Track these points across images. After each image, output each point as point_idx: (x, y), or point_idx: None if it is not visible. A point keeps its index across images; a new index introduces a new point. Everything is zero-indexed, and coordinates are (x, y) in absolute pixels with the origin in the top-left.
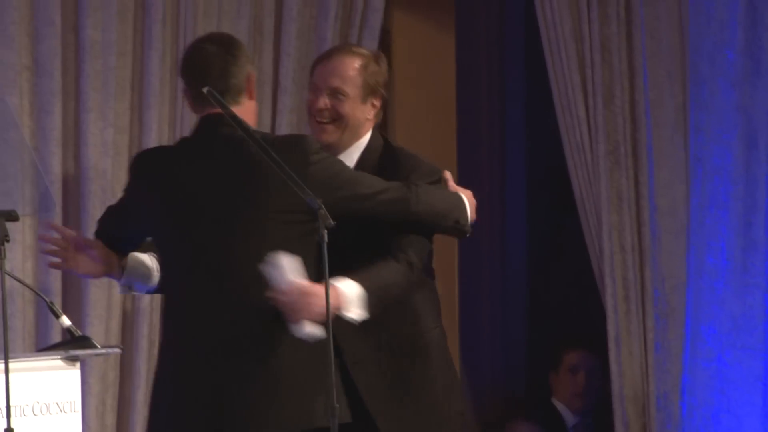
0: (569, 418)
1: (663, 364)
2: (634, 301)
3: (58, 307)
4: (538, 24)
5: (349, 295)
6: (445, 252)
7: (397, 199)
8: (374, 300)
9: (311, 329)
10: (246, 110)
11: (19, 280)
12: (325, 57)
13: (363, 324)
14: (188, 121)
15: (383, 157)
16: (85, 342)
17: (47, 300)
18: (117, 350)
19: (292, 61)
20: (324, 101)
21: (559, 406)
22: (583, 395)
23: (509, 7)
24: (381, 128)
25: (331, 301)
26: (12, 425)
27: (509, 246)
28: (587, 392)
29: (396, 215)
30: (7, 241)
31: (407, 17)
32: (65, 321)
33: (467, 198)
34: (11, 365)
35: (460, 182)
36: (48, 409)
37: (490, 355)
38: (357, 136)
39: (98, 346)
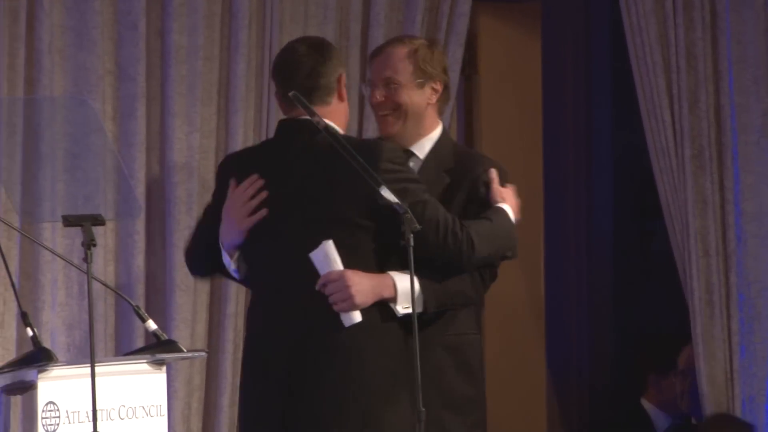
0: (660, 420)
1: (749, 368)
2: (718, 305)
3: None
4: (623, 29)
5: (402, 289)
6: (532, 257)
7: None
8: (431, 300)
9: (356, 317)
10: (335, 111)
11: (106, 285)
12: (376, 52)
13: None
14: (273, 125)
15: (456, 153)
16: (171, 346)
17: (133, 304)
18: (203, 354)
19: None
20: (380, 93)
21: (649, 408)
22: (690, 397)
23: (595, 12)
24: (467, 132)
25: (382, 291)
26: (98, 429)
27: (595, 250)
28: (694, 394)
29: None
30: (94, 245)
31: (493, 22)
32: (151, 325)
33: (509, 199)
34: (97, 369)
35: (547, 186)
36: (134, 413)
37: (576, 359)
38: (423, 125)
39: (184, 350)
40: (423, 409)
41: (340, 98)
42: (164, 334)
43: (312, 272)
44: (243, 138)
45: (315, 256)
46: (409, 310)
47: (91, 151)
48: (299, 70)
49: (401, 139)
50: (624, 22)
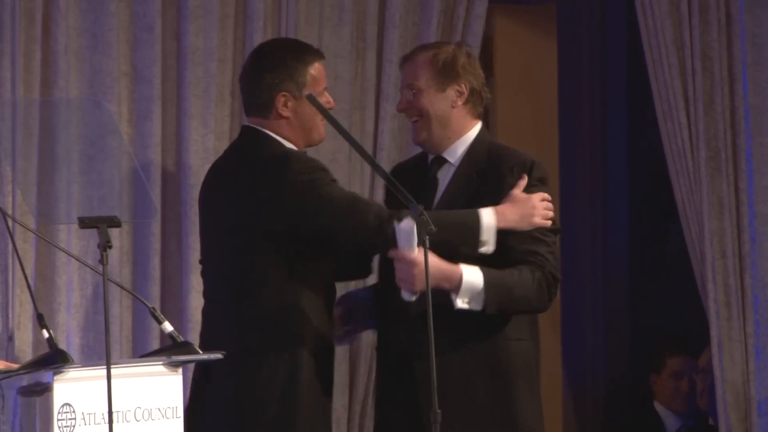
0: (671, 422)
1: (764, 369)
2: (736, 306)
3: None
4: (639, 31)
5: (466, 283)
6: None
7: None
8: (493, 301)
9: (409, 296)
10: (277, 126)
11: (122, 286)
12: (403, 59)
13: (445, 320)
14: None
15: (490, 153)
16: (187, 348)
17: (149, 306)
18: (219, 356)
19: (395, 68)
20: (404, 100)
21: (661, 410)
22: (686, 399)
23: (611, 14)
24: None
25: (445, 282)
26: (114, 431)
27: (611, 252)
28: (691, 396)
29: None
30: (110, 247)
31: (509, 24)
32: (167, 326)
33: (536, 204)
34: (113, 371)
35: (562, 189)
36: (150, 414)
37: (592, 360)
38: (452, 129)
39: (200, 351)
40: (439, 411)
41: (279, 116)
42: (180, 336)
43: None
44: None
45: (400, 229)
46: (467, 306)
47: (106, 153)
48: (242, 75)
49: (431, 144)
50: (639, 24)
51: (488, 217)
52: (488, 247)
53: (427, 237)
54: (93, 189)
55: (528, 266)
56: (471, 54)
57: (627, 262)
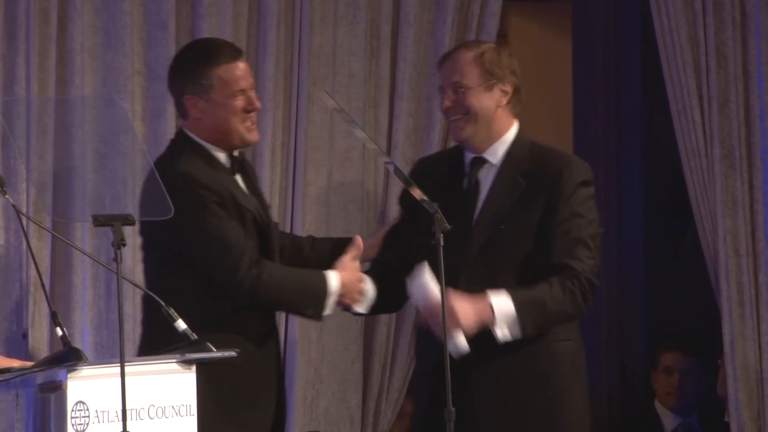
0: (669, 421)
1: None
2: (749, 304)
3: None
4: (654, 29)
5: (499, 313)
6: None
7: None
8: (528, 324)
9: (461, 342)
10: (193, 125)
11: (135, 284)
12: (444, 58)
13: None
14: (303, 125)
15: (533, 153)
16: (200, 346)
17: (163, 303)
18: (232, 354)
19: (409, 66)
20: (449, 99)
21: (660, 409)
22: (677, 395)
23: (625, 12)
24: None
25: (482, 315)
26: (128, 428)
27: (626, 250)
28: (682, 393)
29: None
30: (124, 245)
31: (524, 22)
32: (181, 324)
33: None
34: (127, 369)
35: None
36: (163, 412)
37: (606, 359)
38: (494, 129)
39: (213, 349)
40: (453, 409)
41: (193, 118)
42: (193, 334)
43: None
44: (272, 138)
45: (415, 286)
46: (509, 335)
47: (120, 150)
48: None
49: (473, 143)
50: (654, 22)
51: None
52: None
53: (442, 236)
54: (107, 187)
55: (560, 276)
56: (511, 54)
57: (641, 260)
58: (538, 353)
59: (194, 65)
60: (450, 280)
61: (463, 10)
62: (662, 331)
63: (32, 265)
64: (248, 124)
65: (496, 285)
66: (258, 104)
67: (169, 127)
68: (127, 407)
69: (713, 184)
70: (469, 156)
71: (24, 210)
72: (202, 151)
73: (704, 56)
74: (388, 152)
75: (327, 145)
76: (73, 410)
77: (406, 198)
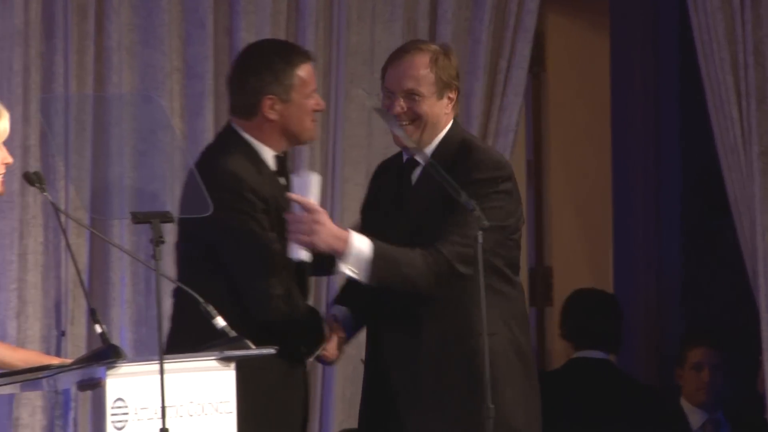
0: (696, 418)
1: None
2: None
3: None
4: (691, 26)
5: (354, 249)
6: (600, 255)
7: None
8: (378, 269)
9: (302, 253)
10: (258, 129)
11: (174, 281)
12: (395, 58)
13: (410, 318)
14: (341, 123)
15: (457, 150)
16: (239, 343)
17: (201, 300)
18: (271, 351)
19: None
20: (400, 105)
21: (686, 405)
22: (707, 391)
23: (663, 9)
24: (535, 129)
25: (333, 244)
26: (167, 425)
27: (664, 247)
28: (712, 388)
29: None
30: (162, 242)
31: (561, 19)
32: (220, 322)
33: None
34: (166, 366)
35: (615, 183)
36: (203, 409)
37: (645, 357)
38: (437, 132)
39: (252, 346)
40: (492, 406)
41: (265, 119)
42: (232, 331)
43: None
44: None
45: (299, 180)
46: (351, 273)
47: (159, 148)
48: (228, 77)
49: (419, 145)
50: (691, 19)
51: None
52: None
53: (480, 233)
54: (145, 184)
55: (426, 250)
56: (454, 54)
57: (679, 257)
58: (461, 352)
59: (279, 65)
60: None
61: (501, 8)
62: (695, 327)
63: (71, 263)
64: (315, 122)
65: None
66: (324, 104)
67: (207, 124)
68: (166, 404)
69: (751, 181)
70: (406, 156)
71: (62, 207)
72: (250, 151)
73: (742, 53)
74: None
75: (365, 142)
76: (112, 407)
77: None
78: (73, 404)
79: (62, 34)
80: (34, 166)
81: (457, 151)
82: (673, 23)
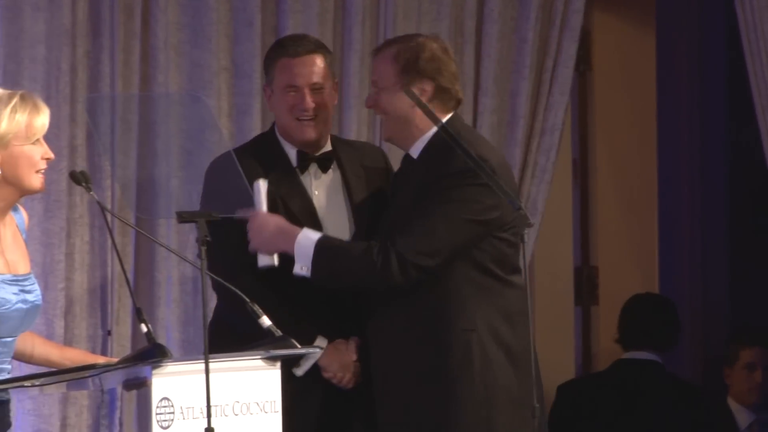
0: (743, 417)
1: None
2: None
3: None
4: (738, 25)
5: (300, 246)
6: (646, 253)
7: None
8: (320, 262)
9: (266, 260)
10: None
11: (220, 281)
12: (372, 54)
13: (382, 312)
14: None
15: (443, 148)
16: (285, 342)
17: (247, 299)
18: (318, 350)
19: (493, 63)
20: (369, 97)
21: (733, 404)
22: (759, 391)
23: (709, 7)
24: (581, 128)
25: (280, 244)
26: (212, 425)
27: (710, 245)
28: (763, 389)
29: None
30: (208, 241)
31: (608, 18)
32: (266, 321)
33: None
34: (211, 365)
35: (661, 181)
36: (248, 408)
37: (691, 357)
38: (417, 128)
39: (298, 345)
40: (537, 405)
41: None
42: (278, 330)
43: None
44: (356, 134)
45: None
46: (303, 272)
47: (205, 147)
48: None
49: (396, 143)
50: (738, 17)
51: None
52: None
53: (526, 231)
54: (192, 184)
55: (377, 243)
56: (443, 47)
57: (726, 256)
58: (432, 344)
59: (268, 58)
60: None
61: (547, 7)
62: (747, 327)
63: (116, 262)
64: (301, 121)
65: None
66: (307, 105)
67: (255, 124)
68: (211, 403)
69: None
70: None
71: (108, 206)
72: (269, 146)
73: None
74: None
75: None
76: (157, 406)
77: None
78: (118, 403)
79: (109, 33)
80: (81, 165)
81: (441, 149)
82: (719, 21)
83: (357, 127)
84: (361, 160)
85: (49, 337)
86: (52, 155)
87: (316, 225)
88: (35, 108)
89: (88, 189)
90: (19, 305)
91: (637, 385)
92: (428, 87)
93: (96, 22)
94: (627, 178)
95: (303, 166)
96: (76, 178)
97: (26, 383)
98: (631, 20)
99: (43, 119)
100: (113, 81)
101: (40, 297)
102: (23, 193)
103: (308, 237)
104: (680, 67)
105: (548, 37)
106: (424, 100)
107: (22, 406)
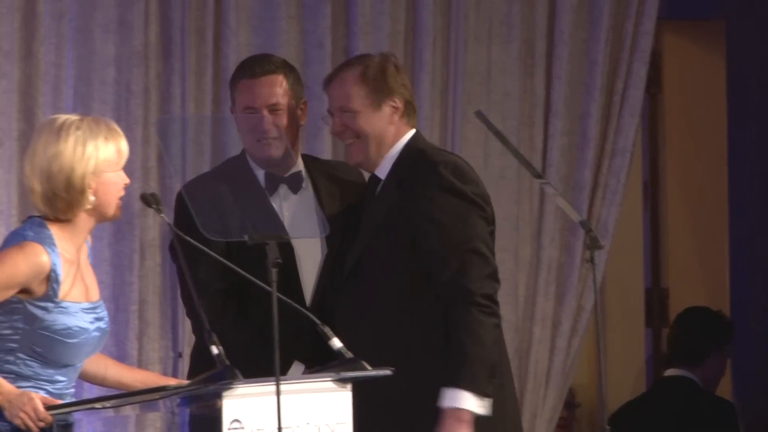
0: None
1: None
2: None
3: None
4: None
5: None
6: (717, 271)
7: None
8: (485, 374)
9: None
10: None
11: (290, 303)
12: (328, 79)
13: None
14: (458, 143)
15: (413, 161)
16: (355, 364)
17: (317, 321)
18: (387, 372)
19: (564, 84)
20: (336, 123)
21: None
22: None
23: None
24: (651, 149)
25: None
26: None
27: None
28: None
29: None
30: (279, 263)
31: (678, 40)
32: (336, 343)
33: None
34: (282, 387)
35: (731, 203)
36: (319, 430)
37: (763, 366)
38: (387, 146)
39: (369, 368)
40: (608, 427)
41: None
42: (349, 352)
43: None
44: None
45: None
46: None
47: None
48: None
49: (367, 165)
50: None
51: None
52: None
53: (597, 253)
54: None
55: (452, 308)
56: (398, 63)
57: None
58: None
59: (231, 77)
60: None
61: (617, 29)
62: None
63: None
64: (260, 141)
65: (370, 305)
66: (265, 126)
67: (326, 146)
68: (282, 425)
69: None
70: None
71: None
72: (239, 169)
73: None
74: (543, 171)
75: (482, 163)
76: (228, 428)
77: None
78: (189, 425)
79: (180, 55)
80: (154, 187)
81: (412, 161)
82: None
83: None
84: (337, 179)
85: (121, 358)
86: (128, 180)
87: (286, 246)
88: (119, 134)
89: (159, 211)
90: (95, 333)
91: (667, 404)
92: (400, 103)
93: (167, 45)
94: (697, 199)
95: (271, 187)
96: (146, 200)
97: (97, 405)
98: (701, 42)
99: (126, 145)
100: (184, 103)
101: (108, 322)
102: (103, 220)
103: (469, 403)
104: (750, 88)
105: (619, 59)
106: (396, 116)
107: (93, 427)
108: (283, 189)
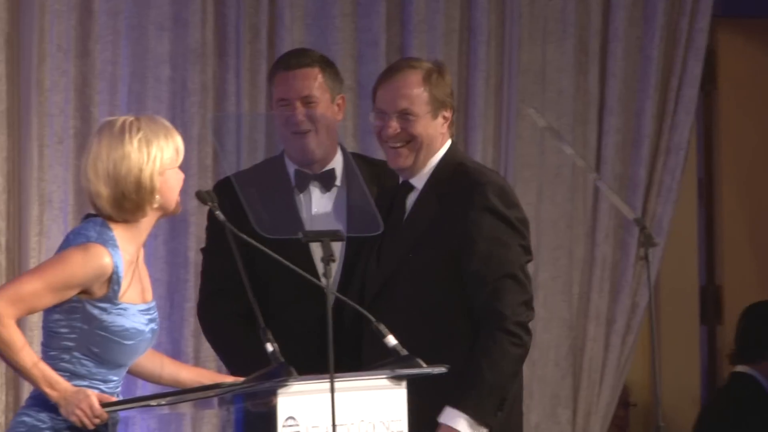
0: None
1: None
2: None
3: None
4: None
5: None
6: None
7: None
8: (491, 404)
9: None
10: None
11: (346, 300)
12: (386, 77)
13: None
14: (513, 142)
15: (454, 174)
16: (410, 361)
17: (373, 319)
18: (443, 369)
19: (618, 82)
20: (394, 126)
21: None
22: None
23: None
24: (706, 148)
25: None
26: None
27: None
28: None
29: None
30: (333, 260)
31: (733, 37)
32: (391, 340)
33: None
34: (337, 384)
35: None
36: (374, 428)
37: None
38: (432, 154)
39: (424, 365)
40: (662, 424)
41: None
42: (404, 350)
43: None
44: (482, 154)
45: None
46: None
47: None
48: None
49: (413, 171)
50: None
51: None
52: None
53: (651, 251)
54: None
55: (485, 331)
56: (448, 72)
57: None
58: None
59: (269, 71)
60: (358, 312)
61: (672, 26)
62: None
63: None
64: (295, 134)
65: (402, 319)
66: (298, 118)
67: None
68: (337, 423)
69: None
70: (401, 179)
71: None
72: (273, 166)
73: None
74: (597, 168)
75: (537, 161)
76: (283, 426)
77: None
78: (244, 423)
79: (234, 53)
80: (210, 185)
81: (453, 174)
82: None
83: (482, 147)
84: (379, 180)
85: (176, 356)
86: (182, 175)
87: (303, 247)
88: (175, 131)
89: (215, 208)
90: (149, 335)
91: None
92: (450, 114)
93: (222, 42)
94: (752, 197)
95: (302, 184)
96: (202, 197)
97: (153, 402)
98: (756, 39)
99: (182, 141)
100: (239, 101)
101: (158, 322)
102: (164, 216)
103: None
104: None
105: (673, 56)
106: (445, 128)
107: (146, 425)
108: (315, 186)
